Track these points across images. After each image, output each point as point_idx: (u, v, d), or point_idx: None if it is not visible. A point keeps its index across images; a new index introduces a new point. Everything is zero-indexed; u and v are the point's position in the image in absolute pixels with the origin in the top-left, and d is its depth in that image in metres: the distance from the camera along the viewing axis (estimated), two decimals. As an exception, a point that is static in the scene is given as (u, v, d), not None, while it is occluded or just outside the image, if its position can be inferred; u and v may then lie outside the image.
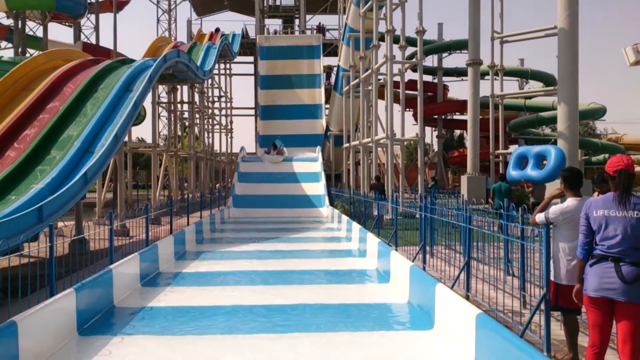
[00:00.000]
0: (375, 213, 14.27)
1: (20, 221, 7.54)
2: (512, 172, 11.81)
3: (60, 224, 13.68)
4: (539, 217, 4.99)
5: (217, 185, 36.05)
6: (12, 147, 11.12)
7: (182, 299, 7.31)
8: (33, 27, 24.69)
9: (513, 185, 14.04)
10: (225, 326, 6.02)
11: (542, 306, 4.94)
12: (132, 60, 17.30)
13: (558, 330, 5.49)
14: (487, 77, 27.88)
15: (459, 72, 38.88)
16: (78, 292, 5.71)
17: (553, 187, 7.04)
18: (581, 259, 4.02)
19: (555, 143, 20.23)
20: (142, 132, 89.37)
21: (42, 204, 8.07)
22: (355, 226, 12.52)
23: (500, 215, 6.99)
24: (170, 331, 5.83)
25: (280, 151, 24.43)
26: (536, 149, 11.80)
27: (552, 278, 4.91)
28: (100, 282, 6.54)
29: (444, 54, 38.90)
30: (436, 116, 39.50)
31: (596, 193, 5.46)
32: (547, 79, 31.49)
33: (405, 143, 22.03)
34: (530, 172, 11.15)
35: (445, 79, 40.14)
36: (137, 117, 26.24)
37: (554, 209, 4.85)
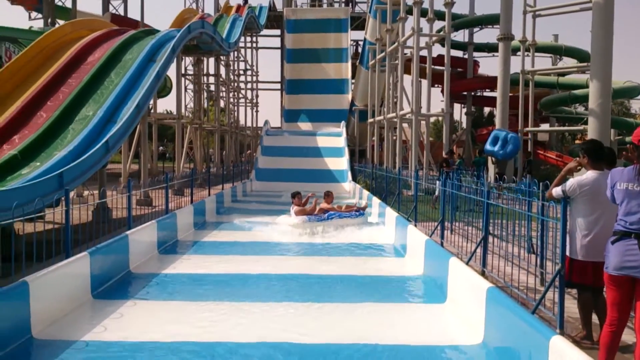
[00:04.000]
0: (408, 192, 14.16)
1: (42, 186, 7.65)
2: (487, 147, 15.70)
3: (85, 192, 13.92)
4: (556, 190, 4.82)
5: (242, 156, 36.24)
6: (37, 116, 11.27)
7: (199, 266, 7.36)
8: (62, -2, 24.99)
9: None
10: (241, 293, 6.04)
11: (558, 283, 4.81)
12: (157, 31, 17.31)
13: (574, 308, 5.35)
14: (518, 54, 27.12)
15: (490, 48, 37.84)
16: (92, 256, 5.78)
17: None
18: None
19: (587, 122, 19.64)
20: (170, 104, 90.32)
21: (62, 170, 8.17)
22: (375, 201, 12.43)
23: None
24: (184, 297, 5.88)
25: (305, 207, 11.05)
26: (504, 133, 15.81)
27: (567, 253, 4.76)
28: (116, 248, 6.61)
29: (475, 29, 37.91)
30: (465, 93, 38.69)
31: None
32: (582, 56, 30.41)
33: (433, 120, 21.70)
34: (497, 150, 15.02)
35: (475, 54, 39.17)
36: (163, 89, 26.51)
37: (571, 182, 4.68)
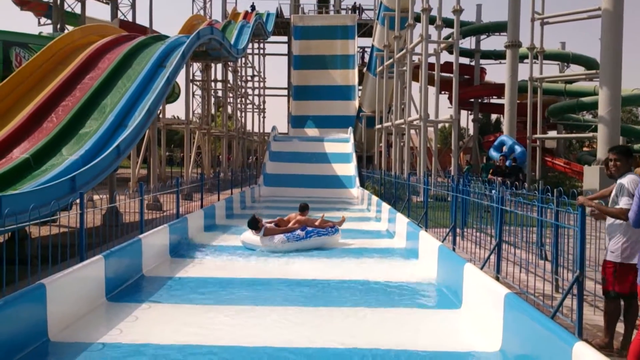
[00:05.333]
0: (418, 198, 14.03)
1: (54, 190, 7.67)
2: (492, 153, 16.32)
3: (95, 197, 13.94)
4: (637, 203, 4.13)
5: (249, 159, 36.45)
6: (48, 120, 11.33)
7: (211, 270, 7.38)
8: (71, 4, 25.16)
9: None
10: (251, 297, 6.06)
11: (575, 290, 4.76)
12: (166, 37, 17.39)
13: (591, 315, 5.31)
14: (526, 61, 27.10)
15: (497, 55, 37.84)
16: (107, 259, 5.79)
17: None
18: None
19: (595, 129, 19.57)
20: (177, 110, 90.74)
21: (75, 174, 8.20)
22: (385, 207, 12.40)
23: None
24: (197, 300, 5.89)
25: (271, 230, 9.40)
26: (510, 142, 16.66)
27: (608, 258, 4.63)
28: (129, 251, 6.62)
29: (482, 36, 37.92)
30: (472, 100, 38.66)
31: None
32: (589, 63, 30.39)
33: (440, 127, 21.67)
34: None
35: (482, 61, 39.16)
36: (171, 94, 26.60)
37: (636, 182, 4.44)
